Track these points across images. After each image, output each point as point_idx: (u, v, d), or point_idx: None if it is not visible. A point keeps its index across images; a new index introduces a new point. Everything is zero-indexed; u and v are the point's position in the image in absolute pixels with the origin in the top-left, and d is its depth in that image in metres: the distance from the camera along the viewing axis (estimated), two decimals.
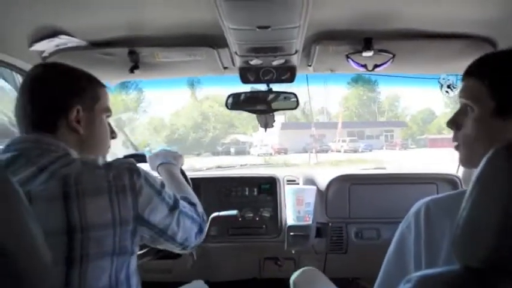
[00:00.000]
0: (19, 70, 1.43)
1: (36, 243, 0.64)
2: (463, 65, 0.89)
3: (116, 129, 1.13)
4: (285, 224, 2.00)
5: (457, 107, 0.91)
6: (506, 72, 0.80)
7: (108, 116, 1.08)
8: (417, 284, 0.60)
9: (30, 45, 1.33)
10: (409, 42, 1.43)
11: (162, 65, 1.60)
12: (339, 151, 20.56)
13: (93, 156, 0.96)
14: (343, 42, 1.43)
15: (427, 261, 0.79)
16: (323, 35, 1.41)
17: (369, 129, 26.96)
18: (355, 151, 20.87)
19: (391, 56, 1.49)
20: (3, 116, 1.85)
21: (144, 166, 1.50)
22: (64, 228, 0.81)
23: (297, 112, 30.12)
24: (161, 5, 1.19)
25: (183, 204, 1.05)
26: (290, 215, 1.97)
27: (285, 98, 1.81)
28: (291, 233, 1.95)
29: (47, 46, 1.36)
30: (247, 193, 2.10)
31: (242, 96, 1.81)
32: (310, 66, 1.67)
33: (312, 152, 17.21)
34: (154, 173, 1.43)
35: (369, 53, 1.42)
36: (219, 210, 1.92)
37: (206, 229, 1.14)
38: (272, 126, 1.86)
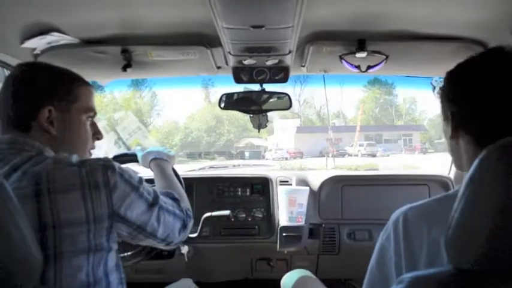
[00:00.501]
0: (10, 67, 1.41)
1: (24, 241, 0.63)
2: None
3: (102, 130, 1.11)
4: (278, 224, 2.00)
5: None
6: (457, 89, 0.82)
7: (91, 117, 1.06)
8: (409, 284, 0.60)
9: (22, 42, 1.31)
10: (402, 43, 1.43)
11: (155, 63, 1.59)
12: (356, 155, 20.10)
13: (66, 154, 0.94)
14: (337, 43, 1.44)
15: (407, 271, 0.79)
16: (317, 35, 1.41)
17: (386, 132, 26.43)
18: (373, 155, 20.38)
19: (384, 57, 1.49)
20: None
21: (135, 166, 1.50)
22: (37, 226, 0.80)
23: (312, 116, 29.92)
24: (155, 3, 1.18)
25: (164, 200, 1.04)
26: (283, 216, 1.97)
27: (278, 98, 1.81)
28: (284, 234, 1.94)
29: (38, 43, 1.34)
30: (239, 193, 2.09)
31: (235, 96, 1.81)
32: (303, 66, 1.67)
33: (328, 156, 16.86)
34: (147, 170, 1.42)
35: (363, 54, 1.42)
36: (212, 211, 1.91)
37: (191, 225, 1.12)
38: (265, 126, 1.86)
